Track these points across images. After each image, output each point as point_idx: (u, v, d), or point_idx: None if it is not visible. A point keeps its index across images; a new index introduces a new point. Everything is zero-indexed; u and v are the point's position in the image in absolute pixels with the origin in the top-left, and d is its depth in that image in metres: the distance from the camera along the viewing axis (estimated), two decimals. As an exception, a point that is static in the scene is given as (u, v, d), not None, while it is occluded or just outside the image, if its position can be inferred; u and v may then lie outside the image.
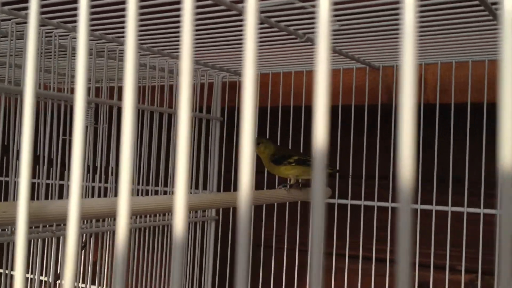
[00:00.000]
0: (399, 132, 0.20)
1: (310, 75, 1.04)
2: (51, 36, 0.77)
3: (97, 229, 0.88)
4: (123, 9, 0.71)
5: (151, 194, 0.94)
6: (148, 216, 0.94)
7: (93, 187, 0.87)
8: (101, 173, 0.86)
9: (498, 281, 0.67)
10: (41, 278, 0.88)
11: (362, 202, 0.98)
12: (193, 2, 0.22)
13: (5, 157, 0.77)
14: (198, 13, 0.71)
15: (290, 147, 1.01)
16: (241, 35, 0.82)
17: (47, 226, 0.82)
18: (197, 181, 1.04)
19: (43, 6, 0.67)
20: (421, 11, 0.69)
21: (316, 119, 0.22)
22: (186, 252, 1.03)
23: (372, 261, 0.95)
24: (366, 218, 0.97)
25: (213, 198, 0.79)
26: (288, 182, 0.93)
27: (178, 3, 0.68)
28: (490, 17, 0.68)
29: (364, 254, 0.97)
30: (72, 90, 0.85)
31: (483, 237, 0.86)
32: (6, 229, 0.74)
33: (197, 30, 0.80)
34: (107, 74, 0.86)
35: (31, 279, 0.86)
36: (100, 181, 0.86)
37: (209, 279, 1.06)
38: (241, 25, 0.77)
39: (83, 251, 0.90)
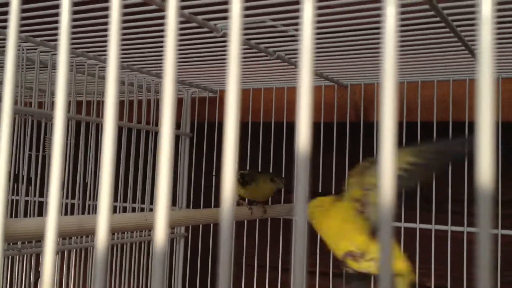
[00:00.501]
0: (380, 150, 0.21)
1: (280, 91, 1.04)
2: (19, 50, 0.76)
3: (63, 246, 0.85)
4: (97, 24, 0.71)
5: (119, 211, 0.92)
6: (116, 233, 0.92)
7: (72, 204, 0.85)
8: (68, 189, 0.84)
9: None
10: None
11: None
12: (173, 19, 0.22)
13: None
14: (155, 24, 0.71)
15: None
16: (211, 51, 0.82)
17: (11, 244, 0.80)
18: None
19: (25, 25, 0.66)
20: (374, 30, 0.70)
21: (300, 137, 0.22)
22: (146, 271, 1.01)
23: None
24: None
25: (185, 215, 0.78)
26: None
27: (149, 19, 0.68)
28: (455, 39, 0.70)
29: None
30: (39, 105, 0.84)
31: (451, 254, 0.88)
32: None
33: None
34: (75, 89, 0.85)
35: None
36: (67, 198, 0.84)
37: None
38: (211, 42, 0.77)
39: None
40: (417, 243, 0.90)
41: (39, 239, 0.76)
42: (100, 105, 0.91)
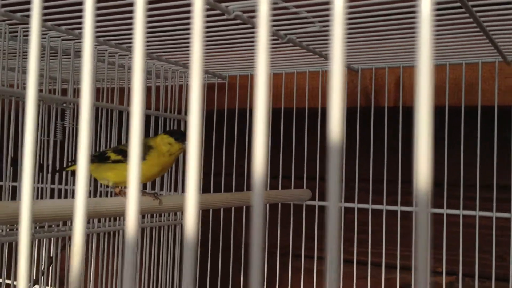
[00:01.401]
0: (416, 135, 0.20)
1: (289, 76, 1.03)
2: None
3: (64, 233, 0.85)
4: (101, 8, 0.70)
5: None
6: (107, 220, 0.91)
7: (60, 190, 0.85)
8: (68, 175, 0.84)
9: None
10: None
11: (343, 204, 0.98)
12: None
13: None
14: (174, 12, 0.70)
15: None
16: (221, 35, 0.81)
17: (14, 229, 0.79)
18: (176, 183, 1.03)
19: (20, 3, 0.65)
20: (399, 13, 0.69)
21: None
22: (164, 255, 1.01)
23: (354, 264, 0.95)
24: (347, 220, 0.97)
25: (210, 199, 0.77)
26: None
27: (158, 2, 0.67)
28: (470, 19, 0.68)
29: (346, 257, 0.97)
30: (53, 91, 0.83)
31: (463, 239, 0.87)
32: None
33: (177, 30, 0.79)
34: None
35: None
36: (66, 184, 0.84)
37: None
38: (222, 25, 0.76)
39: (57, 255, 0.88)
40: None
41: (59, 221, 0.76)
42: (115, 92, 0.91)
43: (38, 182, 0.81)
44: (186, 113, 1.04)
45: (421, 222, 0.19)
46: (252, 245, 0.20)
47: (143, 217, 0.95)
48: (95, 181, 0.86)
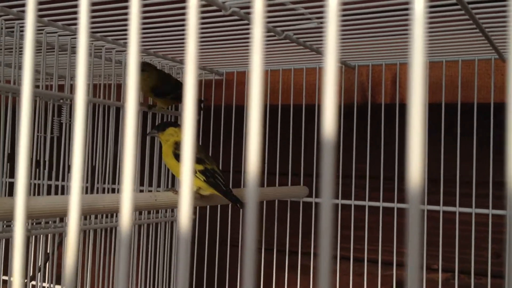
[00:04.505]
0: (408, 132, 0.20)
1: (286, 73, 1.03)
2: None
3: (61, 229, 0.85)
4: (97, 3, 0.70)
5: (109, 193, 0.92)
6: (104, 216, 0.91)
7: (57, 186, 0.85)
8: (65, 171, 0.84)
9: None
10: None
11: (339, 201, 0.98)
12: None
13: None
14: (170, 8, 0.70)
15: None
16: (218, 32, 0.81)
17: (11, 225, 0.79)
18: (172, 181, 1.03)
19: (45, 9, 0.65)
20: (396, 10, 0.70)
21: (325, 127, 0.21)
22: (161, 251, 1.01)
23: (350, 261, 0.96)
24: (343, 217, 0.97)
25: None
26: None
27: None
28: (466, 16, 0.68)
29: (342, 254, 0.97)
30: (50, 87, 0.83)
31: (459, 236, 0.87)
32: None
33: (172, 26, 0.79)
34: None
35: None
36: (63, 180, 0.83)
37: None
38: (219, 22, 0.76)
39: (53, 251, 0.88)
40: (425, 225, 0.90)
41: (55, 217, 0.76)
42: (111, 88, 0.90)
43: (35, 179, 0.81)
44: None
45: (412, 218, 0.19)
46: (245, 242, 0.20)
47: (140, 213, 0.95)
48: (92, 177, 0.86)
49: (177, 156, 0.74)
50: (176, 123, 0.81)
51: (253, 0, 0.20)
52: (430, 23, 0.73)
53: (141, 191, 0.95)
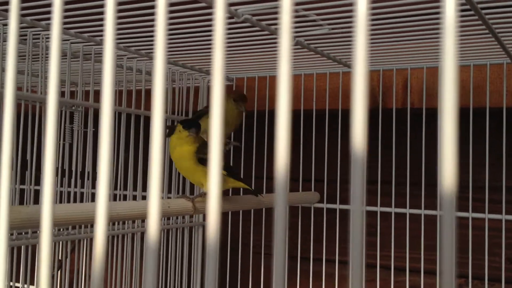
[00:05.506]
0: (441, 136, 0.20)
1: (296, 79, 1.03)
2: (38, 39, 0.76)
3: (73, 236, 0.85)
4: (102, 8, 0.70)
5: (129, 199, 0.92)
6: (126, 222, 0.92)
7: (69, 192, 0.85)
8: (89, 178, 0.84)
9: None
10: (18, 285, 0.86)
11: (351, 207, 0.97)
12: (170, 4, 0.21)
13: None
14: (184, 15, 0.70)
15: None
16: (229, 38, 0.81)
17: (23, 233, 0.79)
18: (184, 187, 1.03)
19: (31, 7, 0.65)
20: (408, 16, 0.69)
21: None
22: (173, 258, 1.01)
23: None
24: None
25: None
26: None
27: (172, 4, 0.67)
28: (479, 21, 0.68)
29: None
30: (61, 94, 0.83)
31: (473, 242, 0.87)
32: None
33: (182, 32, 0.79)
34: (93, 78, 0.84)
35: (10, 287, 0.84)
36: (82, 187, 0.84)
37: (198, 285, 1.05)
38: (230, 28, 0.76)
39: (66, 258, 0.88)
40: (438, 230, 0.89)
41: (71, 224, 0.76)
42: (122, 94, 0.91)
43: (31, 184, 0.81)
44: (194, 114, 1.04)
45: (446, 225, 0.19)
46: (275, 248, 0.20)
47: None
48: (93, 185, 0.86)
49: (201, 161, 0.72)
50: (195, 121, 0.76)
51: (281, 11, 0.20)
52: (441, 28, 0.72)
53: (143, 197, 0.94)
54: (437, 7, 0.66)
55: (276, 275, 0.19)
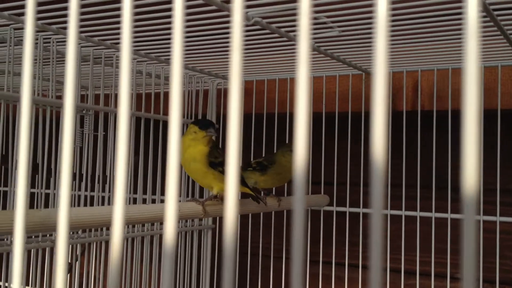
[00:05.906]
0: (463, 138, 0.19)
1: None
2: (49, 42, 0.76)
3: (83, 239, 0.85)
4: (119, 15, 0.70)
5: (147, 203, 0.92)
6: (140, 225, 0.92)
7: (79, 196, 0.85)
8: (99, 182, 0.84)
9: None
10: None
11: (361, 210, 0.97)
12: (184, 8, 0.21)
13: (3, 167, 0.75)
14: (193, 18, 0.70)
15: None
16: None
17: (47, 235, 0.79)
18: (193, 190, 1.03)
19: (42, 11, 0.66)
20: (419, 18, 0.69)
21: (298, 131, 0.21)
22: (182, 261, 1.01)
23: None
24: (365, 226, 0.96)
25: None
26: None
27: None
28: (491, 23, 0.68)
29: (364, 263, 0.96)
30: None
31: (483, 245, 0.86)
32: (5, 239, 0.72)
33: (193, 36, 0.79)
34: (103, 81, 0.84)
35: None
36: (93, 190, 0.84)
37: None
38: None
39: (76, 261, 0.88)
40: (448, 234, 0.89)
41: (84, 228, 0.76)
42: (132, 98, 0.90)
43: (54, 189, 0.82)
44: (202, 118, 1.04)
45: (468, 229, 0.18)
46: (293, 253, 0.20)
47: (152, 224, 0.95)
48: (113, 187, 0.86)
49: (212, 164, 0.72)
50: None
51: (299, 18, 0.20)
52: (454, 29, 0.72)
53: (153, 200, 0.95)
54: (448, 9, 0.66)
55: (295, 281, 0.19)
